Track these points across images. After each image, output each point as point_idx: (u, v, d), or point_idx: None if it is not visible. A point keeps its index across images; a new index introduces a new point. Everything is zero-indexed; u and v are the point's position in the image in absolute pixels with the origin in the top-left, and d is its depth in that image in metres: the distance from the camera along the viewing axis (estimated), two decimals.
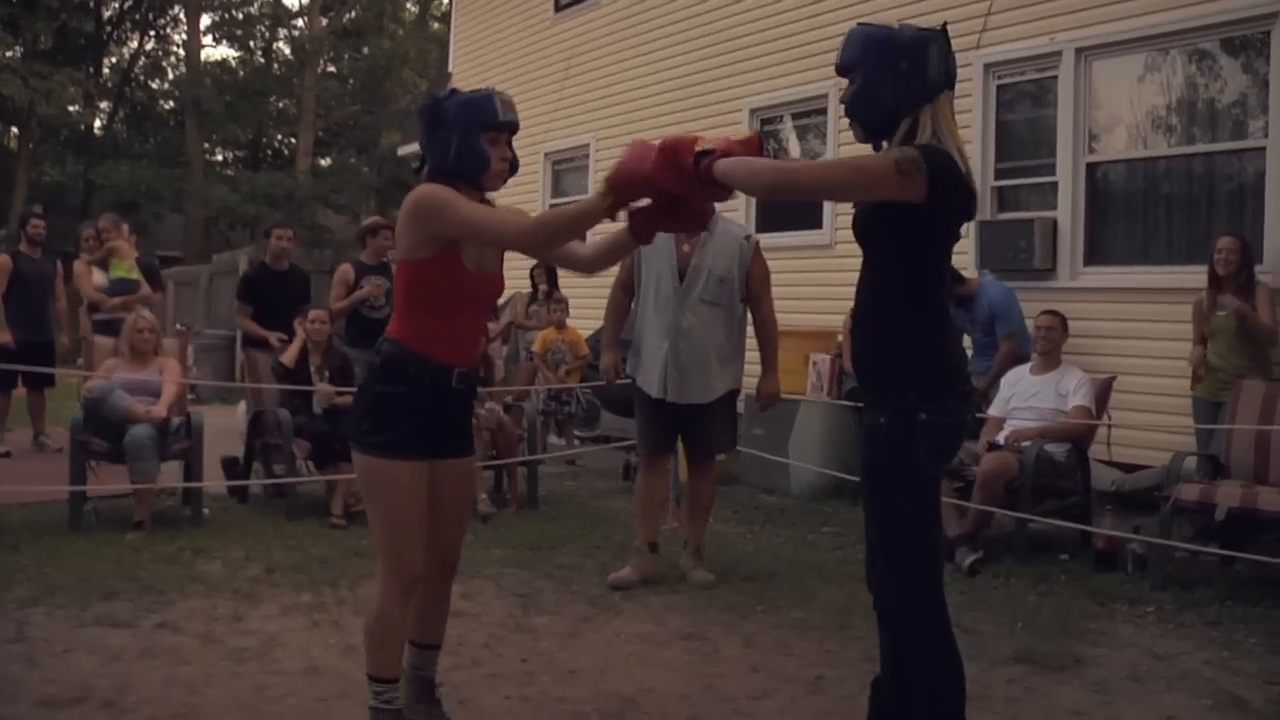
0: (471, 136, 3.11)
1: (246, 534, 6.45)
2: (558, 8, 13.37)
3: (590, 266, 3.36)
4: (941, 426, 2.91)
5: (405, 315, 3.19)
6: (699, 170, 2.81)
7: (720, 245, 5.51)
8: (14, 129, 29.98)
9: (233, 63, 33.73)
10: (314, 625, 4.77)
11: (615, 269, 5.41)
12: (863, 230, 3.01)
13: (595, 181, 10.93)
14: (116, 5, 32.41)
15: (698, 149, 2.80)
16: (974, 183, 2.95)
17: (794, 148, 10.46)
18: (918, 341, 2.92)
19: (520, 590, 5.41)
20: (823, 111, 9.76)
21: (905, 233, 2.89)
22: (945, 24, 3.00)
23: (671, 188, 2.85)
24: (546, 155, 13.22)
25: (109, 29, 32.89)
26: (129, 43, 34.17)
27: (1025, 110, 8.39)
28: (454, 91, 3.20)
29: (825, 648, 4.62)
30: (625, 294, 5.78)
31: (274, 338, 7.86)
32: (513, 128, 3.21)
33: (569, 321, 9.74)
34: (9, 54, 26.63)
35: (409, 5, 35.20)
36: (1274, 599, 5.21)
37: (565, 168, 13.21)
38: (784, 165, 2.98)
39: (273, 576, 5.51)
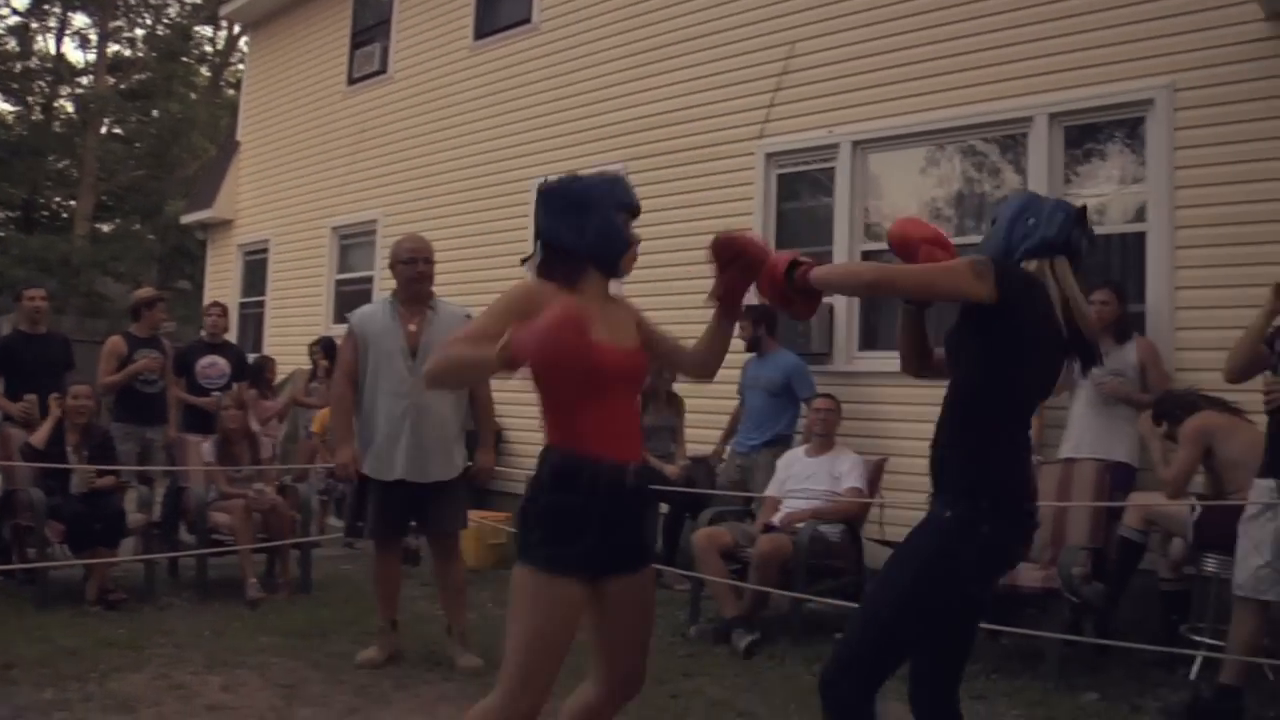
0: (615, 216, 2.99)
1: None
2: (350, 80, 13.25)
3: (701, 370, 3.21)
4: (995, 546, 2.89)
5: (553, 416, 2.92)
6: (793, 282, 2.99)
7: (445, 322, 5.42)
8: None
9: (8, 118, 32.06)
10: None
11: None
12: (950, 344, 3.12)
13: (382, 257, 10.72)
14: None
15: (787, 265, 3.02)
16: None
17: None
18: (1002, 457, 2.92)
19: (286, 680, 5.16)
20: None
21: (986, 342, 2.97)
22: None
23: (771, 303, 3.14)
24: (334, 229, 13.01)
25: None
26: None
27: (805, 199, 8.69)
28: (577, 176, 3.07)
29: None
30: (351, 385, 5.50)
31: (18, 409, 7.32)
32: (639, 212, 3.09)
33: None
34: None
35: (202, 69, 34.28)
36: (1033, 672, 5.43)
37: (352, 243, 12.97)
38: (881, 266, 3.09)
39: (11, 673, 5.09)
